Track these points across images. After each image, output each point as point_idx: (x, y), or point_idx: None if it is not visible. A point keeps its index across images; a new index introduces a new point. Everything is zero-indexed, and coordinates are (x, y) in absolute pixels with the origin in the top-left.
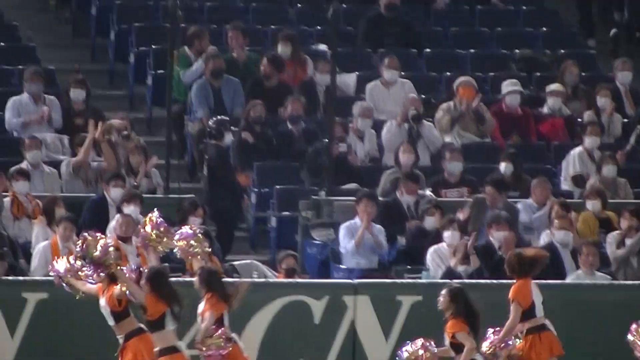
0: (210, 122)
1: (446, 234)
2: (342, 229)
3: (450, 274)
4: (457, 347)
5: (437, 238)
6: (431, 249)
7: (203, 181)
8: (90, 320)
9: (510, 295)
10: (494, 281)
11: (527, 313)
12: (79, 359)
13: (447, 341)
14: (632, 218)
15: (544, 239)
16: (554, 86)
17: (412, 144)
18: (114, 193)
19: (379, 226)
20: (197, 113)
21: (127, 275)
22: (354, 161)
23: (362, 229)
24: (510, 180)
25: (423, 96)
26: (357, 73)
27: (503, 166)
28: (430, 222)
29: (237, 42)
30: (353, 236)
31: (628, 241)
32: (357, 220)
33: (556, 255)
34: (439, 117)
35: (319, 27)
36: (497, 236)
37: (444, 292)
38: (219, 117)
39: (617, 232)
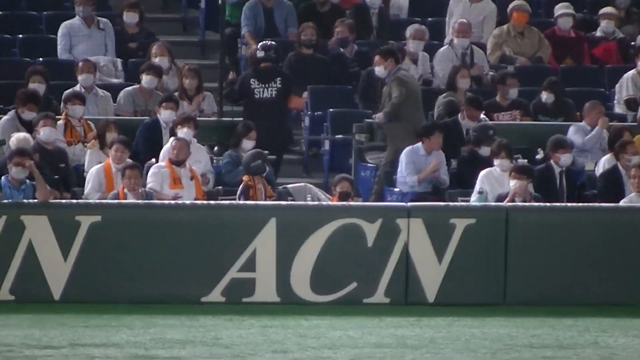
0: (258, 46)
1: (497, 162)
2: (404, 156)
3: (501, 200)
4: None
5: (489, 164)
6: (482, 173)
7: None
8: (141, 242)
9: None
10: (547, 204)
11: None
12: (131, 281)
13: None
14: None
15: (604, 164)
16: (607, 9)
17: (467, 67)
18: (164, 115)
19: (442, 161)
20: (242, 30)
21: None
22: None
23: (427, 172)
24: (552, 108)
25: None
26: None
27: (544, 95)
28: (486, 150)
29: None
30: (415, 164)
31: None
32: (419, 146)
33: (619, 180)
34: (492, 43)
35: None
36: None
37: None
38: (268, 41)
39: None
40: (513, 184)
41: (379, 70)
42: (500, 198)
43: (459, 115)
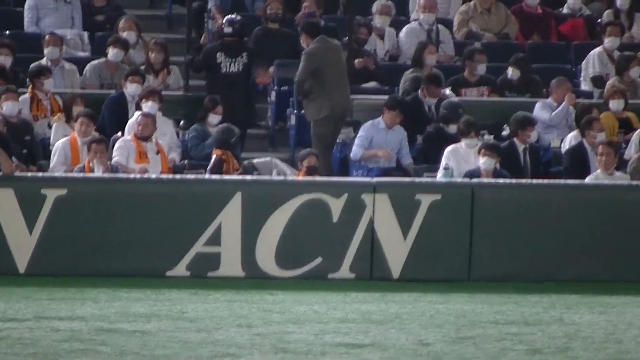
0: (224, 21)
1: (465, 141)
2: (362, 128)
3: (470, 175)
4: None
5: (456, 141)
6: (448, 149)
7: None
8: (107, 215)
9: None
10: (514, 181)
11: None
12: (96, 254)
13: None
14: None
15: (570, 141)
16: None
17: (434, 43)
18: (130, 89)
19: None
20: (209, 4)
21: None
22: (371, 65)
23: (378, 154)
24: (519, 84)
25: None
26: None
27: (511, 72)
28: (453, 127)
29: None
30: (369, 139)
31: None
32: (380, 120)
33: (584, 157)
34: (458, 20)
35: None
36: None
37: None
38: (232, 16)
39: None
40: (483, 161)
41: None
42: (469, 174)
43: (419, 92)
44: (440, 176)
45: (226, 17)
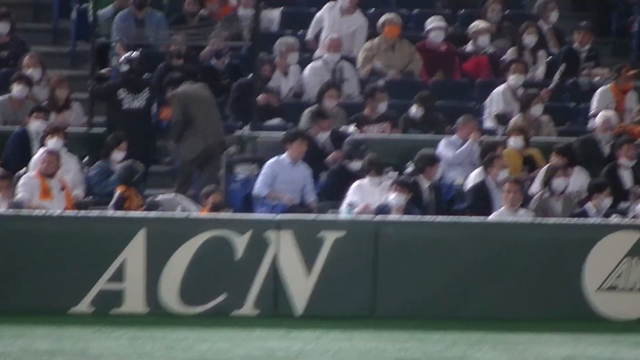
0: (121, 59)
1: (367, 179)
2: (266, 165)
3: (380, 211)
4: None
5: (359, 177)
6: (354, 185)
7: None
8: (10, 252)
9: None
10: (417, 218)
11: None
12: None
13: None
14: (558, 156)
15: (474, 178)
16: (480, 23)
17: (336, 87)
18: (34, 125)
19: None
20: (114, 39)
21: None
22: (274, 102)
23: (277, 197)
24: (422, 121)
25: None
26: (281, 8)
27: (414, 109)
28: (357, 164)
29: None
30: (274, 176)
31: (555, 181)
32: (285, 157)
33: (488, 194)
34: (362, 57)
35: None
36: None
37: None
38: (130, 53)
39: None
40: (394, 196)
41: None
42: (380, 210)
43: (310, 129)
44: (344, 213)
45: (124, 55)
